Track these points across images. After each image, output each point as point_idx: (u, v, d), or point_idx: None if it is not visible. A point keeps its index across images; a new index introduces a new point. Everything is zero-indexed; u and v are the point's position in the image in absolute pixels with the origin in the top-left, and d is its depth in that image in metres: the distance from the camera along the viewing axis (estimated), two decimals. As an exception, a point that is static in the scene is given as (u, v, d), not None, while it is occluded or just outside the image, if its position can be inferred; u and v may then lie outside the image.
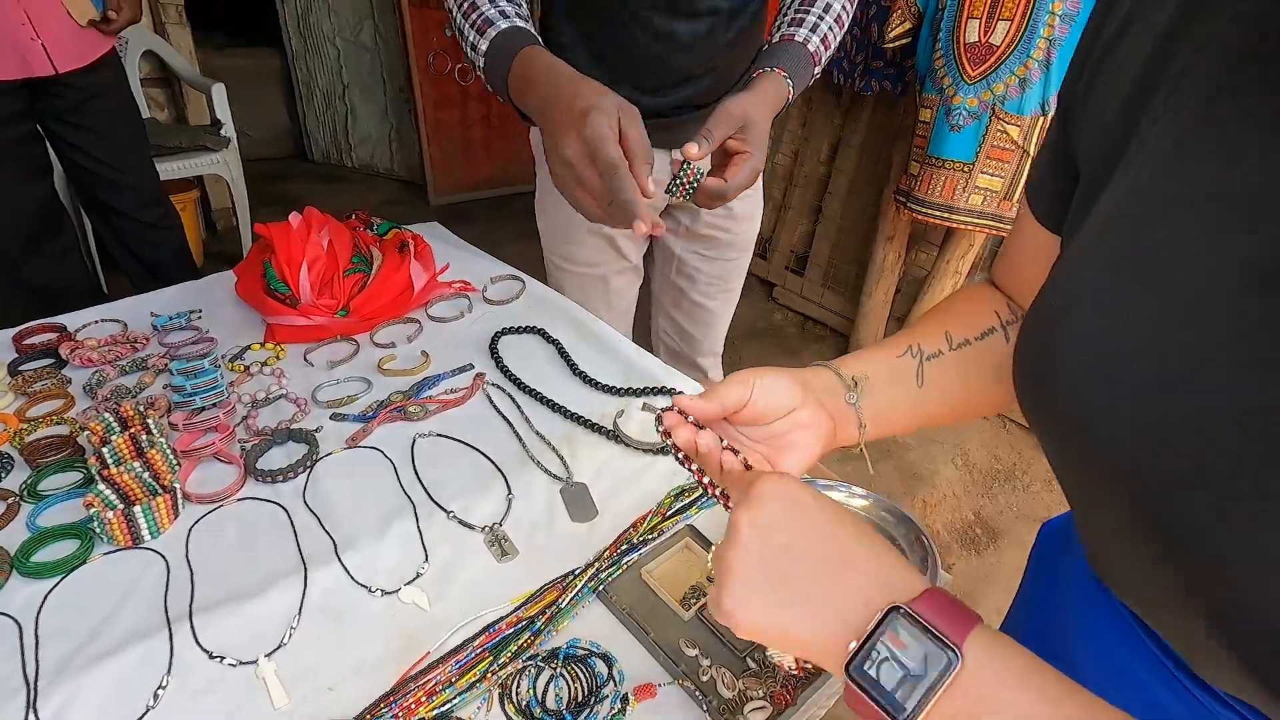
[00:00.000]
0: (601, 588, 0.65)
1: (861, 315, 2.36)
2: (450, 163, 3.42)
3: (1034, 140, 1.65)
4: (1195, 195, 0.32)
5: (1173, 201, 0.33)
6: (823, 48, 0.91)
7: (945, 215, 1.84)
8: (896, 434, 0.54)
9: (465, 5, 0.83)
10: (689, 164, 0.71)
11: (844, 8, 0.93)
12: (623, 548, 0.70)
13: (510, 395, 0.91)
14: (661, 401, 0.90)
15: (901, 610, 0.33)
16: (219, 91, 2.39)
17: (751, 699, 0.57)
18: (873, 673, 0.32)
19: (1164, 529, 0.32)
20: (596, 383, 0.93)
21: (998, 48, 1.60)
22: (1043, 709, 0.30)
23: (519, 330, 1.03)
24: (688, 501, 0.75)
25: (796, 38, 0.89)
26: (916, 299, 2.22)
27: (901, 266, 2.29)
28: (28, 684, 0.55)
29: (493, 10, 0.81)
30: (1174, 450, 0.31)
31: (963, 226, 1.85)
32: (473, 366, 0.96)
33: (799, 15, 0.91)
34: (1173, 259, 0.32)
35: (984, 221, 1.81)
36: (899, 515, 0.74)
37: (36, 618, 0.60)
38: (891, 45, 1.84)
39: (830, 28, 0.91)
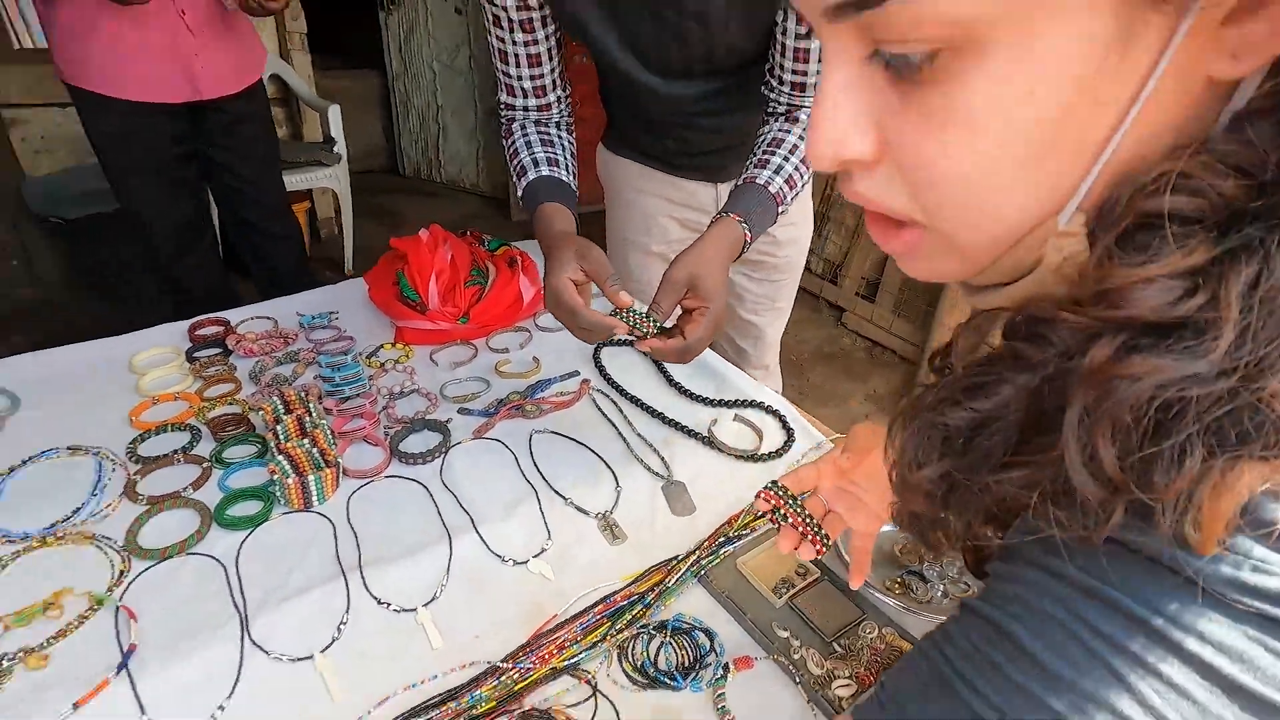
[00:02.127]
0: (702, 573, 0.74)
1: (932, 343, 2.38)
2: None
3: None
4: None
5: None
6: (786, 188, 0.94)
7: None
8: None
9: (510, 150, 1.01)
10: (628, 312, 0.80)
11: None
12: (720, 540, 0.78)
13: (613, 401, 1.01)
14: (762, 417, 0.98)
15: None
16: (334, 112, 2.61)
17: (838, 677, 0.64)
18: None
19: None
20: (691, 394, 1.02)
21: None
22: None
23: (619, 343, 1.14)
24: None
25: (758, 180, 0.92)
26: (989, 330, 2.23)
27: (975, 297, 2.31)
28: (238, 611, 0.67)
29: (527, 158, 0.97)
30: None
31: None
32: (579, 373, 1.06)
33: (764, 157, 0.94)
34: None
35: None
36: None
37: (236, 561, 0.73)
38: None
39: (796, 168, 0.94)
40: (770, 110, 0.99)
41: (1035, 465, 0.27)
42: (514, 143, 1.00)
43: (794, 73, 0.92)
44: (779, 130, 0.96)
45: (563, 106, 1.04)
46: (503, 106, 1.02)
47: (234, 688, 0.61)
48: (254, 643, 0.64)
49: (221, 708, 0.59)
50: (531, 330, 1.18)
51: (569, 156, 1.01)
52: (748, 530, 0.80)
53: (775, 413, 0.98)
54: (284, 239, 1.96)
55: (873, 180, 0.30)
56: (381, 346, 1.13)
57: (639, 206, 1.25)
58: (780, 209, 0.94)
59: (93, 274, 2.39)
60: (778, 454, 0.91)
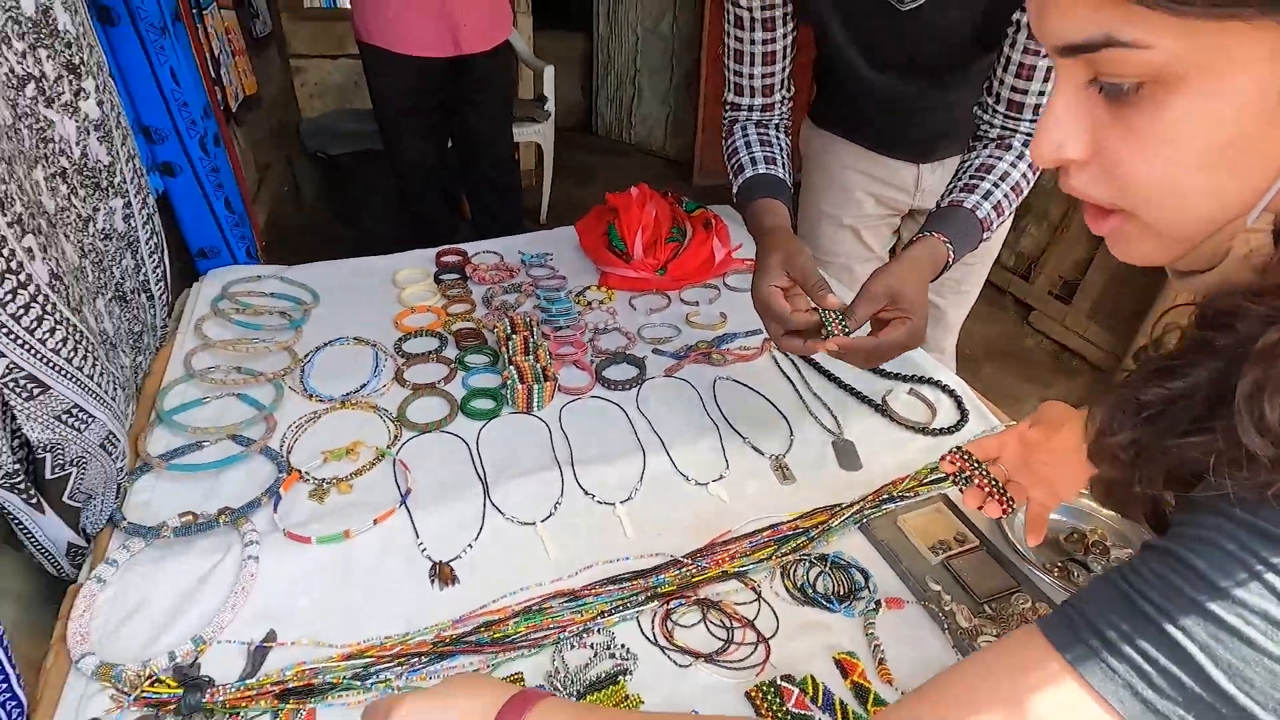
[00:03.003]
0: (864, 521, 0.81)
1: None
2: (719, 148, 3.67)
3: None
4: None
5: None
6: (994, 214, 0.90)
7: (1265, 262, 1.66)
8: None
9: (730, 148, 1.05)
10: (830, 316, 0.80)
11: (1024, 176, 0.92)
12: (883, 497, 0.84)
13: (793, 361, 1.08)
14: (932, 399, 1.02)
15: None
16: (549, 73, 2.84)
17: (985, 633, 0.69)
18: None
19: None
20: (868, 364, 1.07)
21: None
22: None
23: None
24: (944, 475, 0.87)
25: (965, 204, 0.89)
26: (1206, 348, 2.01)
27: (1195, 310, 2.08)
28: (480, 479, 0.85)
29: (745, 157, 1.01)
30: None
31: (1286, 277, 1.66)
32: (762, 332, 1.15)
33: (971, 182, 0.91)
34: None
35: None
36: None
37: (476, 443, 0.91)
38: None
39: (1006, 195, 0.91)
40: (980, 134, 0.96)
41: (1214, 432, 0.33)
42: (733, 142, 1.05)
43: (1013, 89, 0.89)
44: (989, 156, 0.93)
45: (784, 108, 1.07)
46: (728, 106, 1.08)
47: (478, 534, 0.78)
48: (493, 504, 0.81)
49: (470, 546, 0.76)
50: (720, 288, 1.28)
51: (785, 157, 1.04)
52: (912, 494, 0.85)
53: (952, 393, 1.01)
54: (508, 190, 2.21)
55: (1084, 177, 0.38)
56: (588, 288, 1.28)
57: (838, 180, 1.29)
58: (985, 235, 0.92)
59: (343, 202, 2.83)
60: (949, 430, 0.95)
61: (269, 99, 2.52)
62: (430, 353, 1.08)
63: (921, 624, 0.71)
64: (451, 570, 0.74)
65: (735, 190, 1.02)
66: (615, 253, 1.29)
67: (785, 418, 0.97)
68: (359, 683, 0.62)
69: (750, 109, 1.05)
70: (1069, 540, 0.80)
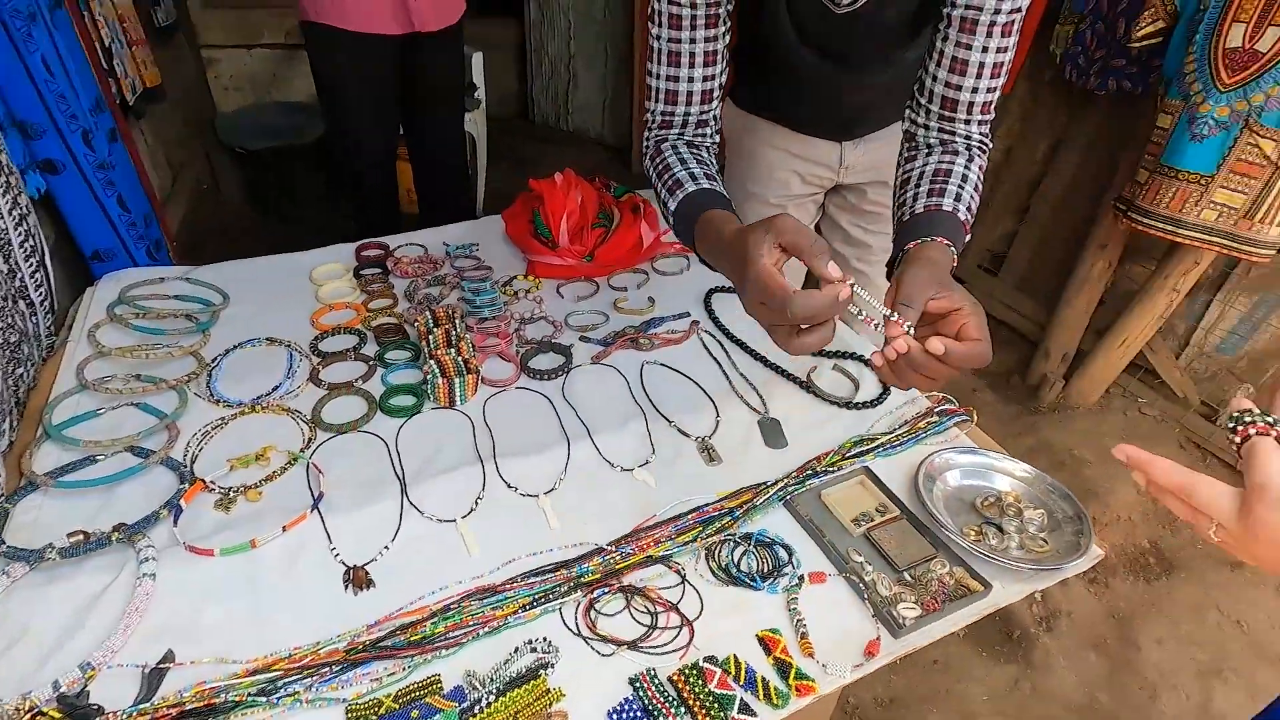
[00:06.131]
0: (788, 498, 0.82)
1: (1057, 323, 2.27)
2: (655, 133, 3.66)
3: (1294, 157, 1.51)
4: None
5: None
6: (970, 217, 0.83)
7: (1169, 229, 1.74)
8: None
9: (660, 166, 0.90)
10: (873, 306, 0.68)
11: (979, 178, 0.86)
12: (807, 473, 0.85)
13: (719, 342, 1.08)
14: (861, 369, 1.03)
15: None
16: (478, 59, 2.76)
17: (904, 600, 0.71)
18: None
19: None
20: (794, 342, 1.08)
21: (1263, 55, 1.48)
22: None
23: (729, 290, 1.20)
24: (867, 448, 0.89)
25: (944, 207, 0.80)
26: (1121, 313, 2.10)
27: (1111, 277, 2.17)
28: (399, 479, 0.82)
29: (682, 173, 0.87)
30: None
31: (1188, 242, 1.74)
32: (690, 314, 1.14)
33: (936, 186, 0.83)
34: None
35: (1215, 239, 1.69)
36: (1061, 492, 0.83)
37: (395, 441, 0.88)
38: (1139, 45, 1.75)
39: (972, 197, 0.84)
40: (916, 141, 0.91)
41: None
42: (663, 160, 0.91)
43: (946, 85, 0.85)
44: (940, 161, 0.85)
45: (716, 127, 0.96)
46: (655, 122, 0.94)
47: (395, 535, 0.75)
48: (411, 504, 0.79)
49: (386, 548, 0.74)
50: (649, 273, 1.27)
51: (720, 181, 0.90)
52: (835, 468, 0.86)
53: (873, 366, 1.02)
54: (457, 173, 2.16)
55: None
56: (515, 277, 1.26)
57: (763, 159, 1.30)
58: (966, 237, 0.83)
59: (266, 198, 2.71)
60: (871, 404, 0.96)
61: (178, 92, 2.39)
62: (348, 350, 1.04)
63: (843, 595, 0.72)
64: (366, 574, 0.71)
65: (674, 208, 0.87)
66: (541, 240, 1.27)
67: (711, 399, 0.97)
68: (264, 699, 0.59)
69: (685, 121, 0.92)
70: (985, 505, 0.83)
